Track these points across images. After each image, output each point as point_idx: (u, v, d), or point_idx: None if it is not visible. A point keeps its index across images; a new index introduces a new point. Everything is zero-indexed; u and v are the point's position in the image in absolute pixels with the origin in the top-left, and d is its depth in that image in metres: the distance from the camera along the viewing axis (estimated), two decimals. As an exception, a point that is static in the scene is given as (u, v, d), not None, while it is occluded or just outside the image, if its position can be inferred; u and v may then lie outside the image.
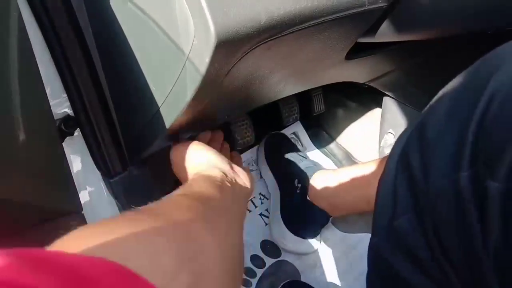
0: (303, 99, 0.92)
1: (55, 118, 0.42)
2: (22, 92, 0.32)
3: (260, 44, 0.34)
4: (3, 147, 0.31)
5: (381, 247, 0.34)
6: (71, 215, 0.39)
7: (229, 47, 0.30)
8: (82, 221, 0.41)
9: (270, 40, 0.34)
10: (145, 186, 0.56)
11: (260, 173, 0.91)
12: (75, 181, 0.43)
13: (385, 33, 0.43)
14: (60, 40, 0.38)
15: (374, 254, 0.35)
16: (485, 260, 0.25)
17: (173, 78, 0.35)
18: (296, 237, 0.75)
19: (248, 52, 0.33)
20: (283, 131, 0.95)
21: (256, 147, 0.92)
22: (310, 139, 1.01)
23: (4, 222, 0.34)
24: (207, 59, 0.29)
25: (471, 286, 0.28)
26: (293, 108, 0.91)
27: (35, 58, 0.36)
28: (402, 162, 0.31)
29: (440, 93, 0.30)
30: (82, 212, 0.43)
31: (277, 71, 0.43)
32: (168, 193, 0.37)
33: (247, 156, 0.93)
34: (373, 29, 0.43)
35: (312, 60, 0.45)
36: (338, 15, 0.37)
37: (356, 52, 0.49)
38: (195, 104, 0.37)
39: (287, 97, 0.67)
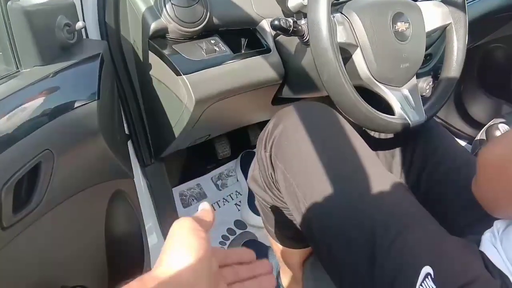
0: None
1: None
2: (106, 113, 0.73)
3: (218, 101, 0.76)
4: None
5: None
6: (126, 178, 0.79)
7: (202, 103, 0.71)
8: (132, 183, 0.80)
9: (223, 99, 0.76)
10: (162, 178, 0.97)
11: (237, 177, 1.32)
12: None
13: (286, 93, 0.85)
14: (125, 92, 0.80)
15: None
16: None
17: (179, 113, 0.76)
18: (256, 216, 1.15)
19: (212, 104, 0.75)
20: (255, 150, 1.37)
21: (234, 160, 1.34)
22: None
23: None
24: (191, 108, 0.71)
25: None
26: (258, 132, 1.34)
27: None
28: None
29: None
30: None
31: (231, 112, 0.85)
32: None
33: (229, 165, 1.34)
34: (279, 90, 0.85)
35: (250, 105, 0.87)
36: (259, 86, 0.80)
37: (280, 100, 0.91)
38: (189, 126, 0.78)
39: (253, 124, 1.09)
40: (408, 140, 0.73)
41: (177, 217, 1.01)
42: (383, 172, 0.60)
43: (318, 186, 0.58)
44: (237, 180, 1.32)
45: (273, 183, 0.65)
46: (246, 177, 1.27)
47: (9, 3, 0.50)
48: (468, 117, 1.30)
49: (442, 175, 0.68)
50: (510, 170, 0.48)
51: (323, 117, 0.64)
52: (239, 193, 1.29)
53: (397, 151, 0.74)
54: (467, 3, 0.74)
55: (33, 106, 0.52)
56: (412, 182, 0.70)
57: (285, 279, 0.91)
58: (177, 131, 0.80)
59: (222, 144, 1.24)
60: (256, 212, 1.15)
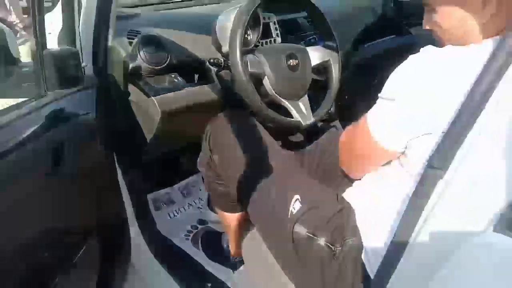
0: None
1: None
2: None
3: (178, 115, 1.09)
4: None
5: None
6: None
7: (165, 115, 1.04)
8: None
9: (181, 114, 1.09)
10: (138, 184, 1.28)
11: (199, 187, 1.63)
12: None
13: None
14: (113, 111, 1.13)
15: None
16: None
17: (150, 125, 1.07)
18: (213, 213, 1.45)
19: (173, 118, 1.08)
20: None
21: (198, 173, 1.66)
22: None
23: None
24: (158, 119, 1.03)
25: None
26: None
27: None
28: None
29: None
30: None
31: (188, 126, 1.19)
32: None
33: (193, 177, 1.66)
34: (224, 109, 1.20)
35: (202, 120, 1.21)
36: (206, 105, 1.14)
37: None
38: (158, 134, 1.10)
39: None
40: (310, 136, 1.09)
41: (151, 217, 1.31)
42: (280, 152, 0.94)
43: (239, 166, 0.91)
44: (200, 189, 1.62)
45: (212, 163, 0.97)
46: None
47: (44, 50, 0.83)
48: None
49: (329, 155, 1.03)
50: (352, 145, 0.83)
51: (242, 119, 0.99)
52: (201, 199, 1.59)
53: (305, 143, 1.09)
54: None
55: (55, 113, 0.84)
56: (310, 158, 1.05)
57: (231, 243, 1.21)
58: (149, 139, 1.12)
59: (187, 159, 1.56)
60: (214, 210, 1.45)
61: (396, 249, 0.48)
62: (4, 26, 0.74)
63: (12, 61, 0.73)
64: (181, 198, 1.58)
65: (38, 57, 0.82)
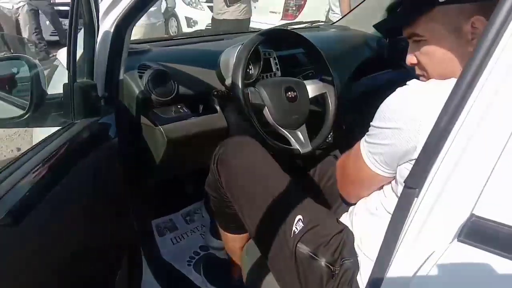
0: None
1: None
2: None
3: (183, 142, 1.15)
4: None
5: None
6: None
7: (172, 143, 1.10)
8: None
9: (187, 141, 1.16)
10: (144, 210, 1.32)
11: (202, 214, 1.67)
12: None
13: (230, 140, 1.27)
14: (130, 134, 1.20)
15: None
16: None
17: (158, 151, 1.14)
18: (216, 239, 1.48)
19: (179, 145, 1.14)
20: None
21: (201, 200, 1.71)
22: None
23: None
24: (165, 146, 1.09)
25: None
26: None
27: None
28: None
29: None
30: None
31: (193, 153, 1.25)
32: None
33: (196, 204, 1.70)
34: (226, 137, 1.26)
35: (206, 149, 1.28)
36: (209, 134, 1.21)
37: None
38: (165, 158, 1.16)
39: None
40: (307, 162, 1.14)
41: (155, 242, 1.35)
42: (283, 176, 0.99)
43: (246, 188, 0.96)
44: (203, 216, 1.66)
45: (220, 185, 1.02)
46: (209, 214, 1.62)
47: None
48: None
49: (327, 180, 1.08)
50: (347, 171, 0.88)
51: (247, 145, 1.04)
52: (203, 226, 1.63)
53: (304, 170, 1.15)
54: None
55: (85, 140, 0.89)
56: (310, 182, 1.10)
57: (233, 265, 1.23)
58: (157, 163, 1.18)
59: (191, 186, 1.61)
60: (216, 237, 1.48)
61: (379, 271, 0.52)
62: (37, 61, 0.82)
63: (42, 93, 0.80)
64: (184, 224, 1.62)
65: (71, 89, 0.85)
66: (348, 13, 2.03)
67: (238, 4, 3.55)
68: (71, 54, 0.77)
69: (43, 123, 0.85)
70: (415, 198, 0.45)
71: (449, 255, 0.42)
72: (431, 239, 0.44)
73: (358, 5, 1.96)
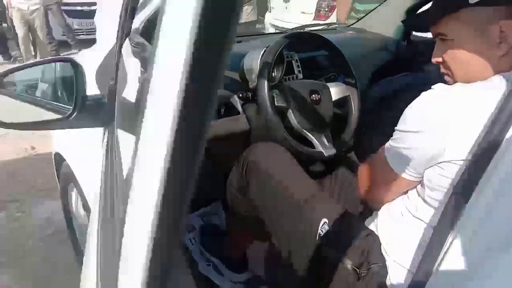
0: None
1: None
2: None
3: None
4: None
5: None
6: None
7: None
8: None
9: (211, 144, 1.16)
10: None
11: (219, 215, 1.68)
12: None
13: (253, 140, 1.27)
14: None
15: None
16: None
17: None
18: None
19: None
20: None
21: (219, 200, 1.71)
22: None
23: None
24: None
25: None
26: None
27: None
28: None
29: None
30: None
31: (217, 155, 1.26)
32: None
33: (214, 205, 1.71)
34: (248, 140, 1.27)
35: (229, 150, 1.28)
36: (233, 135, 1.22)
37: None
38: None
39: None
40: (327, 165, 1.15)
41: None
42: (308, 180, 1.00)
43: (275, 194, 0.96)
44: (219, 218, 1.67)
45: (247, 190, 1.02)
46: (225, 218, 1.63)
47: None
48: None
49: (348, 185, 1.08)
50: (372, 176, 0.89)
51: (275, 151, 1.05)
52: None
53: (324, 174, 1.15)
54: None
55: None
56: (331, 186, 1.10)
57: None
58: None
59: (209, 187, 1.62)
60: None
61: (421, 276, 0.52)
62: (80, 63, 0.83)
63: (84, 94, 0.82)
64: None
65: (115, 92, 0.87)
66: (365, 16, 2.02)
67: (246, 7, 3.57)
68: (119, 60, 0.79)
69: (86, 124, 0.86)
70: (464, 205, 0.45)
71: (499, 266, 0.42)
72: (480, 249, 0.44)
73: (375, 8, 1.95)
